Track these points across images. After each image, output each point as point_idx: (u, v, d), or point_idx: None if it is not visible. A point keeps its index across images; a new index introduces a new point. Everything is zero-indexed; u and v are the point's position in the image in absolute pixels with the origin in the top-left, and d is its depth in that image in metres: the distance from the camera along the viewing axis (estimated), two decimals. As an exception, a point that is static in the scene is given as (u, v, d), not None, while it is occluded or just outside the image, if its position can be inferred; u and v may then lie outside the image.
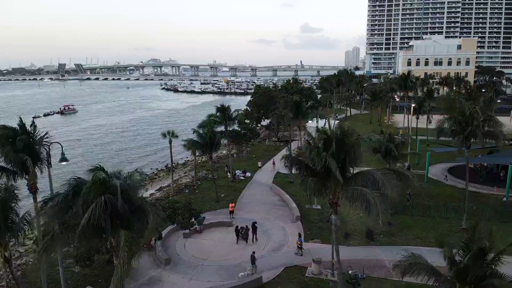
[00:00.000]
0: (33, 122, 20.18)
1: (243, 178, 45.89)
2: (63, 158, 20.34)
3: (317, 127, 59.29)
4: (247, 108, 76.85)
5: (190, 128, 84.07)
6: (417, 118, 55.30)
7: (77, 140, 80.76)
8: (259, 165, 50.79)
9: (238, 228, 29.36)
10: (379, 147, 30.90)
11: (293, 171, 29.35)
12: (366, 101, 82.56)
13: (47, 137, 20.07)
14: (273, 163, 49.86)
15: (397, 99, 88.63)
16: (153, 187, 47.59)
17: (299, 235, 27.72)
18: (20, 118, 19.92)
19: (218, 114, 43.92)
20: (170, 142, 40.60)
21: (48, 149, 19.87)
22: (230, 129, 45.98)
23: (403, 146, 32.55)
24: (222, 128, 45.48)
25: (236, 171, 46.02)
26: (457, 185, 42.42)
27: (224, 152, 60.89)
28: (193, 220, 27.14)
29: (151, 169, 58.50)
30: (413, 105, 52.72)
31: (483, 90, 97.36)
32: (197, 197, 39.59)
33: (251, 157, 57.99)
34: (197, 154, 44.05)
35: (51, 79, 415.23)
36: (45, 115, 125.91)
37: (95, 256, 23.58)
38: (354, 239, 30.14)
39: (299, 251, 26.67)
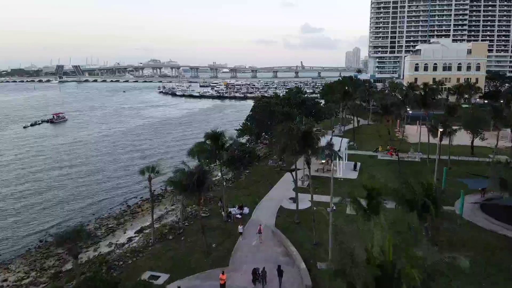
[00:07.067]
0: None
1: (239, 217, 38.69)
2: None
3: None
4: (246, 123, 69.98)
5: (183, 145, 79.02)
6: (441, 140, 47.96)
7: (58, 161, 72.97)
8: (240, 231, 34.14)
9: (256, 271, 26.75)
10: (413, 200, 23.71)
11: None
12: (376, 115, 75.58)
13: None
14: (260, 231, 33.39)
15: (409, 110, 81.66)
16: (133, 227, 40.34)
17: None
18: None
19: (208, 142, 36.77)
20: (150, 180, 33.47)
21: None
22: (224, 159, 38.58)
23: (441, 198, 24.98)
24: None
25: (231, 210, 38.77)
26: (496, 230, 35.17)
27: (218, 175, 53.75)
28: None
29: (135, 198, 51.27)
30: (440, 129, 45.32)
31: (501, 101, 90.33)
32: (182, 248, 32.44)
33: (250, 183, 50.85)
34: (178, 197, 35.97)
35: (49, 80, 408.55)
36: (32, 124, 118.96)
37: None
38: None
39: None
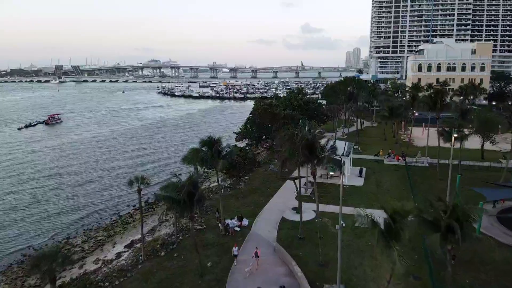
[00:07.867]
0: None
1: (238, 229, 35.76)
2: None
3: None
4: (246, 125, 67.12)
5: (182, 150, 75.34)
6: (453, 145, 44.93)
7: (50, 168, 69.38)
8: (234, 253, 29.88)
9: None
10: (435, 222, 20.70)
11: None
12: (382, 118, 72.42)
13: None
14: (257, 255, 28.87)
15: (416, 112, 78.57)
16: (123, 240, 37.29)
17: None
18: None
19: (204, 149, 33.80)
20: (139, 191, 30.48)
21: None
22: (220, 168, 35.62)
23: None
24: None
25: (228, 222, 35.78)
26: (516, 244, 32.20)
27: (214, 183, 50.84)
28: None
29: (127, 207, 48.22)
30: (455, 135, 42.39)
31: (510, 103, 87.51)
32: (174, 267, 29.46)
33: (249, 191, 47.73)
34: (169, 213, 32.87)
35: (48, 80, 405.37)
36: (26, 126, 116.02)
37: None
38: None
39: None
